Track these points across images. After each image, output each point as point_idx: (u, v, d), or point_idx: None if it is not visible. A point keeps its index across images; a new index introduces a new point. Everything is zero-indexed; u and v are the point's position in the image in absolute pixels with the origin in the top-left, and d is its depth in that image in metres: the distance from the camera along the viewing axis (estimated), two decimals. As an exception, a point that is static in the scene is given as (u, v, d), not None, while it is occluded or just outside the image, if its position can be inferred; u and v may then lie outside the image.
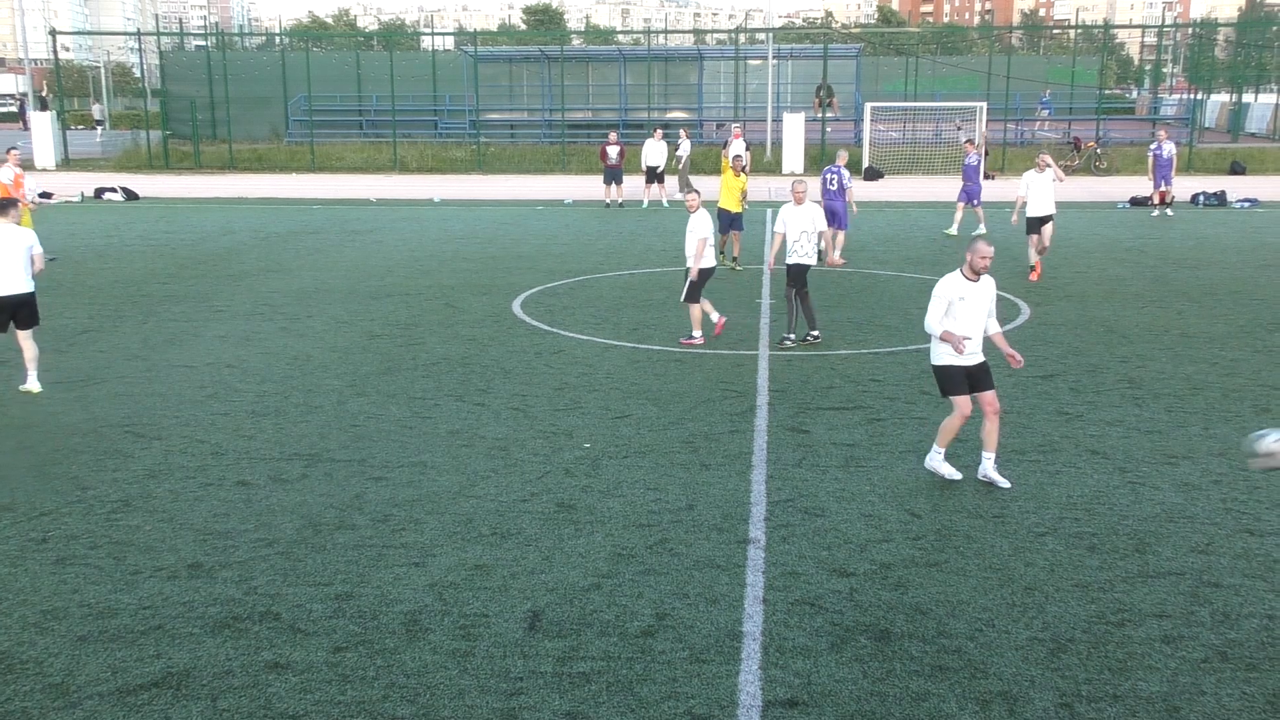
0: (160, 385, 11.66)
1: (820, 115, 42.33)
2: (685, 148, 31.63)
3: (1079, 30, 73.93)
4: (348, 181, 37.67)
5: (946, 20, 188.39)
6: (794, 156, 39.47)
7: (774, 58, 43.53)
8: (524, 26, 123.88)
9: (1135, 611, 6.60)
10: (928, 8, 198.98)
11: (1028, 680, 5.85)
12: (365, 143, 46.36)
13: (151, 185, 35.26)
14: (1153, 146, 27.62)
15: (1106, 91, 55.42)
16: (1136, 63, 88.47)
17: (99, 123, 62.37)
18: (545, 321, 14.74)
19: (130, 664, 6.02)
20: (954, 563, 7.27)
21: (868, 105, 39.39)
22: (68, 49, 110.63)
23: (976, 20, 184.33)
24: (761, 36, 53.24)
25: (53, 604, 6.71)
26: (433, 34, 60.67)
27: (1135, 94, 77.27)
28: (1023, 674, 5.92)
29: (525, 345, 13.43)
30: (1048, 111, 47.22)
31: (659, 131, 30.99)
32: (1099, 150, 39.57)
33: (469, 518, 8.04)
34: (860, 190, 34.40)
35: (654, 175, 30.04)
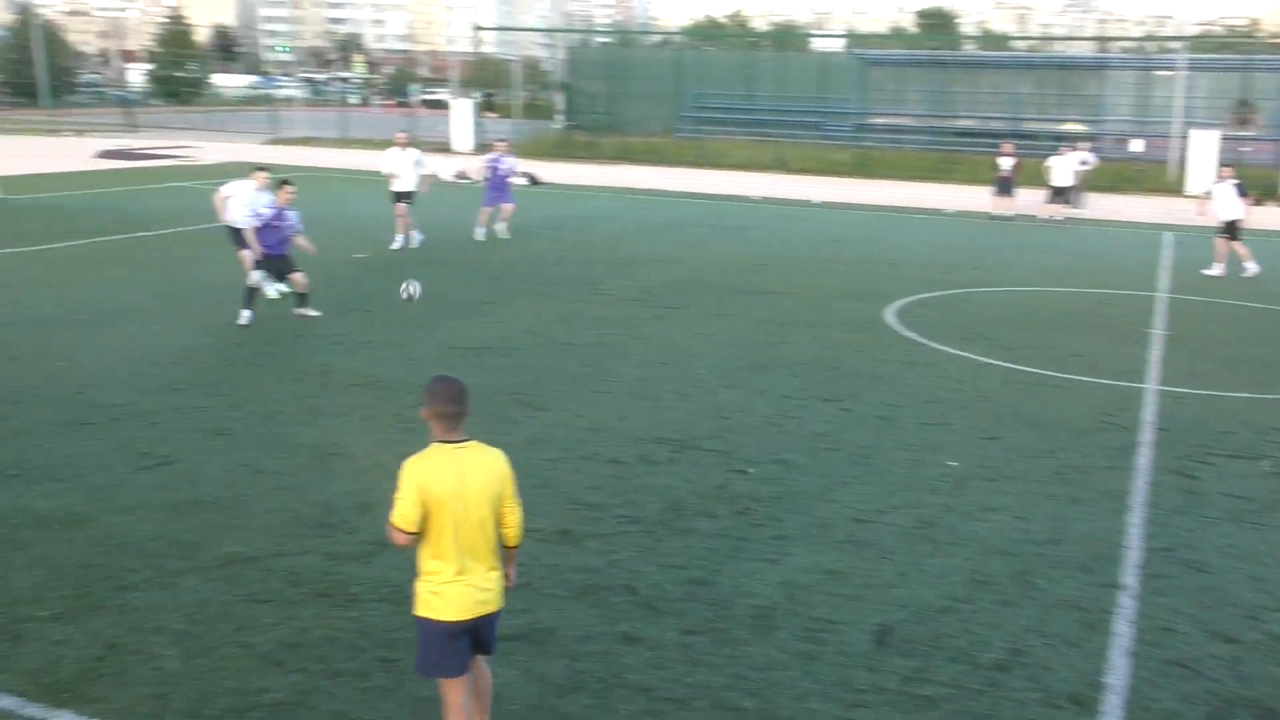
0: (547, 359, 12.47)
1: (1238, 133, 38.80)
2: (1089, 160, 30.19)
3: None
4: (731, 178, 38.55)
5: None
6: (1202, 176, 36.41)
7: (1186, 69, 40.32)
8: (915, 30, 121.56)
9: None
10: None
11: None
12: (750, 141, 47.23)
13: (552, 171, 37.64)
14: None
15: None
16: None
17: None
18: (918, 332, 14.46)
19: (503, 614, 6.48)
20: (1362, 644, 6.50)
21: (1296, 125, 35.71)
22: (486, 43, 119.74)
23: None
24: (1173, 45, 49.45)
25: (440, 550, 7.34)
26: (823, 35, 60.84)
27: None
28: None
29: (896, 354, 13.25)
30: None
31: (1066, 149, 29.59)
32: None
33: (827, 521, 8.06)
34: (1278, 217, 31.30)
35: (1059, 193, 28.69)
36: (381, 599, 6.62)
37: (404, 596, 6.52)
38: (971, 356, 13.24)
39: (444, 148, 43.15)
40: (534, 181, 34.56)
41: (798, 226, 25.65)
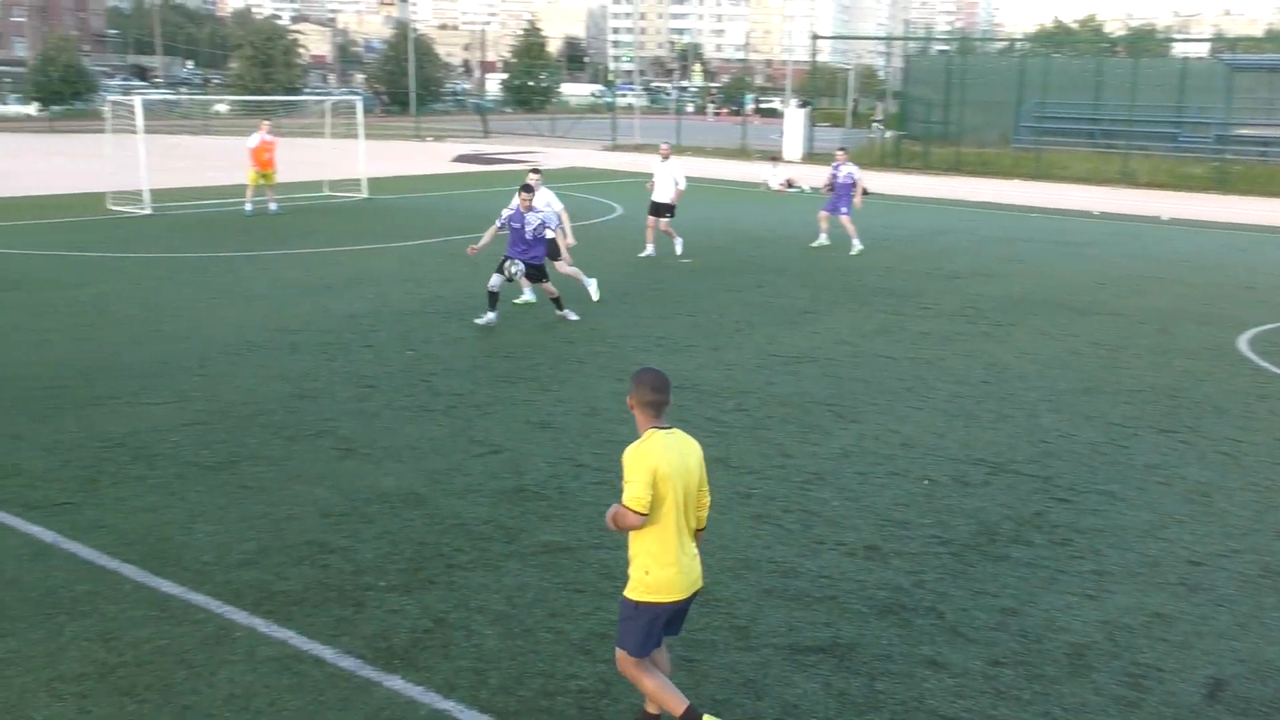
0: (863, 371, 12.33)
1: None
2: None
3: None
4: (1070, 192, 36.67)
5: None
6: None
7: None
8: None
9: None
10: None
11: None
12: (1094, 153, 44.68)
13: (881, 182, 37.13)
14: None
15: None
16: None
17: (879, 122, 65.89)
18: (1276, 363, 13.23)
19: (804, 625, 6.49)
20: None
21: None
22: (821, 51, 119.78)
23: None
24: None
25: (747, 555, 7.43)
26: (1186, 39, 56.70)
27: None
28: None
29: (1247, 386, 12.17)
30: None
31: None
32: None
33: (1156, 561, 7.52)
34: None
35: None
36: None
37: (707, 600, 6.68)
38: None
39: (775, 156, 43.49)
40: (863, 191, 34.20)
41: (1142, 244, 24.06)
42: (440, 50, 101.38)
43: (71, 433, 9.51)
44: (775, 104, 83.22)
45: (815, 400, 11.09)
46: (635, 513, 4.89)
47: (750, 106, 71.41)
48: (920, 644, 6.31)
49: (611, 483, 8.64)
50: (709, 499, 5.26)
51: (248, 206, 24.91)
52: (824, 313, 15.51)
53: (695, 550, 5.14)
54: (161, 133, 44.25)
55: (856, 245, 21.11)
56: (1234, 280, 19.50)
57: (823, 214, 22.15)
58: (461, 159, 44.24)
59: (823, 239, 22.05)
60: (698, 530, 5.25)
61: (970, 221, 27.71)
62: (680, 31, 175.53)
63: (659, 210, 20.09)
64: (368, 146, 31.11)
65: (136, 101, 26.55)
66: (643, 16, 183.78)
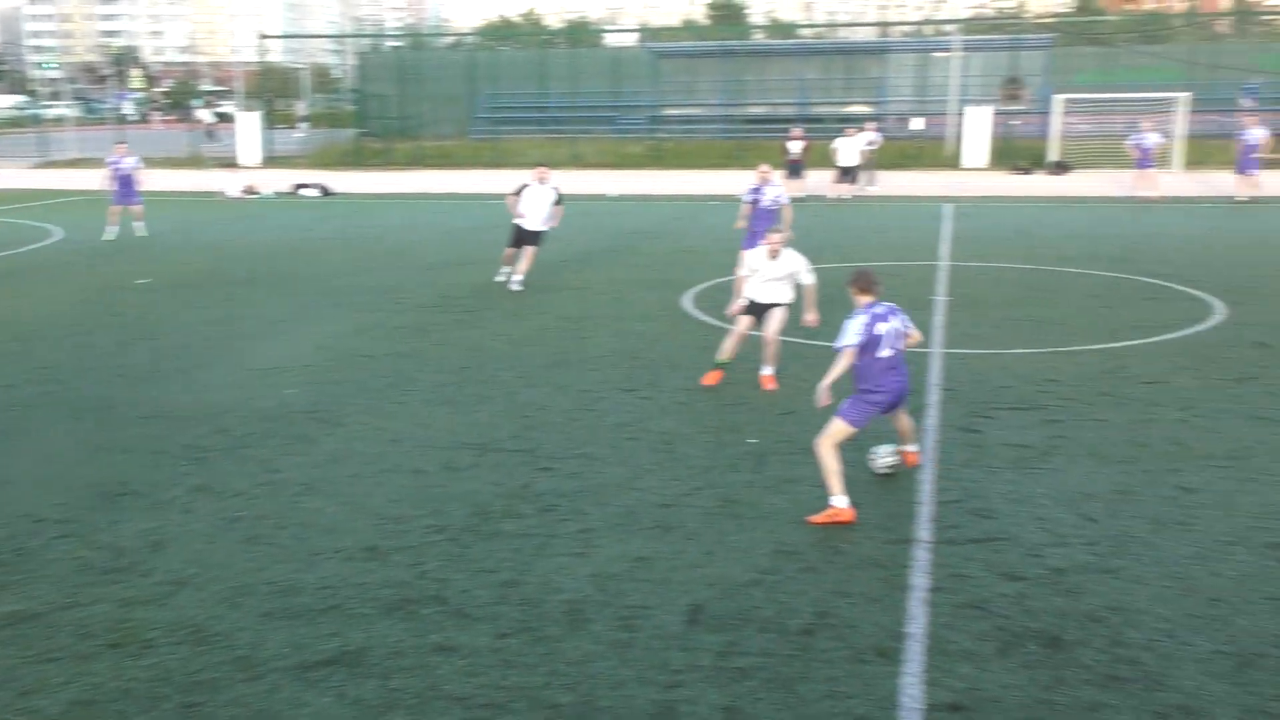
0: (344, 374, 12.18)
1: (1007, 108, 41.00)
2: (872, 139, 31.52)
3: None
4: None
5: (1149, 8, 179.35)
6: (976, 150, 38.40)
7: (961, 50, 42.36)
8: (706, 21, 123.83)
9: (1331, 631, 6.19)
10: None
11: (1210, 695, 5.56)
12: (546, 139, 47.25)
13: (345, 182, 36.81)
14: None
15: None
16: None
17: (303, 119, 65.29)
18: (716, 317, 14.75)
19: (310, 640, 6.31)
20: (1132, 570, 6.97)
21: (1058, 97, 37.95)
22: (272, 51, 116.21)
23: (1180, 7, 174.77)
24: (948, 28, 51.87)
25: (242, 580, 7.09)
26: (616, 30, 61.42)
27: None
28: (1205, 688, 5.63)
29: (694, 340, 13.48)
30: (1252, 100, 44.34)
31: (852, 130, 30.67)
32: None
33: (632, 510, 8.14)
34: (1045, 185, 33.27)
35: (846, 173, 29.70)
36: (179, 641, 6.33)
37: (204, 636, 6.30)
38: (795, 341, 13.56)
39: (230, 162, 41.70)
40: (325, 192, 33.75)
41: (595, 220, 25.81)
42: None
43: None
44: (225, 108, 79.77)
45: (298, 410, 10.80)
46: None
47: (200, 111, 67.54)
48: (429, 633, 6.37)
49: (79, 534, 7.86)
50: None
51: None
52: (298, 319, 15.13)
53: None
54: None
55: (111, 233, 22.68)
56: (679, 246, 21.50)
57: (113, 209, 23.24)
58: None
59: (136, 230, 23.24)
60: None
61: (438, 214, 28.27)
62: (113, 34, 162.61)
63: (525, 239, 17.16)
64: None
65: None
66: (67, 19, 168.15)
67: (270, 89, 64.20)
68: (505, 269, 17.22)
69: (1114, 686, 5.67)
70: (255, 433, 10.12)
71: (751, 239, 15.54)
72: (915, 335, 8.48)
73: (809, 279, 11.09)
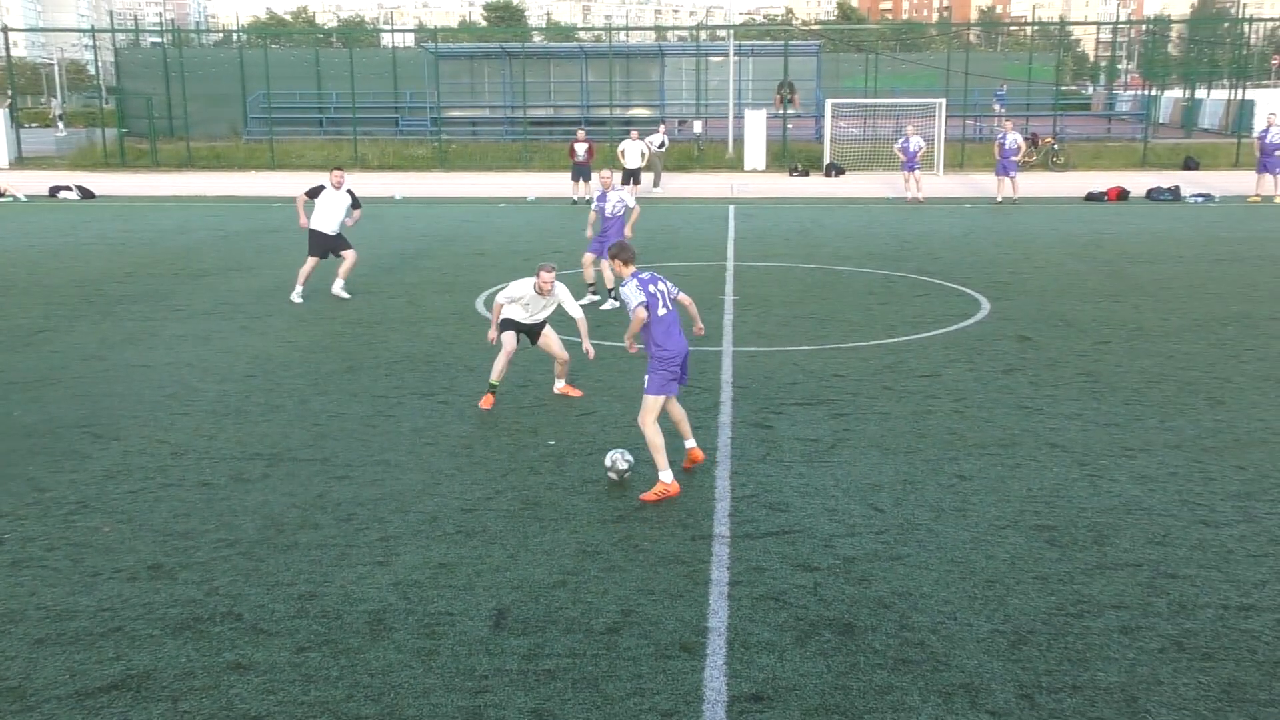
0: (118, 385, 11.53)
1: (782, 112, 42.49)
2: (662, 140, 32.12)
3: (1035, 27, 74.67)
4: (308, 179, 37.26)
5: (905, 17, 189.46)
6: (755, 153, 39.62)
7: (735, 55, 43.62)
8: (484, 23, 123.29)
9: (1094, 603, 6.68)
10: (886, 4, 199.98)
11: (989, 672, 5.90)
12: (326, 140, 46.04)
13: (108, 184, 34.83)
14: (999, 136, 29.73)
15: (1063, 88, 55.91)
16: (1092, 59, 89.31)
17: (59, 116, 61.50)
18: (508, 319, 14.70)
19: (89, 666, 5.95)
20: (916, 556, 7.33)
21: (829, 101, 39.59)
22: (18, 45, 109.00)
23: (935, 17, 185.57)
24: (722, 33, 53.28)
25: (9, 607, 6.62)
26: (393, 30, 60.42)
27: (1091, 90, 78.04)
28: (984, 666, 5.97)
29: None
30: (1000, 106, 47.53)
31: (635, 132, 31.05)
32: (1056, 146, 39.98)
33: (433, 516, 8.01)
34: (821, 186, 34.65)
35: (630, 175, 30.02)
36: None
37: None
38: (561, 336, 13.60)
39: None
40: (86, 194, 31.86)
41: (382, 225, 25.30)
42: None
43: None
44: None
45: (66, 424, 10.15)
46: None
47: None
48: (222, 651, 6.10)
49: None
50: None
51: None
52: (63, 329, 14.22)
53: None
54: None
55: None
56: (469, 248, 21.31)
57: None
58: None
59: None
60: None
61: (213, 217, 27.09)
62: None
63: (330, 245, 16.16)
64: None
65: None
66: None
67: (17, 85, 60.10)
68: (301, 288, 16.06)
69: (903, 669, 5.95)
70: (18, 450, 9.46)
71: (598, 243, 15.49)
72: (684, 297, 9.06)
73: (578, 311, 10.57)
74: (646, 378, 8.57)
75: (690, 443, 8.97)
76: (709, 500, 8.30)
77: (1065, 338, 13.62)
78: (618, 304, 14.91)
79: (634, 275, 8.75)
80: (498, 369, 10.72)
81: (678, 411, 8.90)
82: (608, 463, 8.68)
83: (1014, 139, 29.57)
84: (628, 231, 15.50)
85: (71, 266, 19.26)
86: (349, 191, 16.27)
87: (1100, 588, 6.88)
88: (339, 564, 7.21)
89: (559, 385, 11.21)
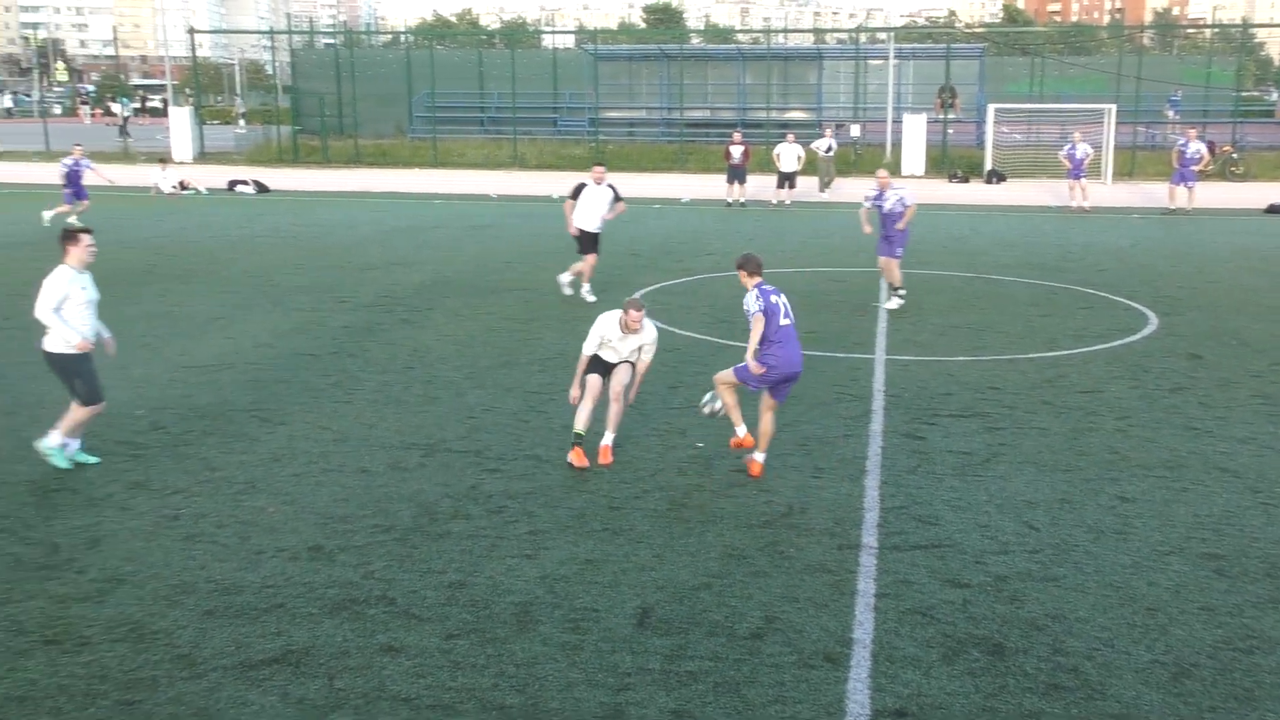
0: (285, 372, 12.02)
1: (942, 116, 41.62)
2: (830, 144, 32.02)
3: (1215, 29, 71.33)
4: (468, 177, 38.26)
5: (1075, 19, 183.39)
6: (914, 158, 38.91)
7: (895, 58, 42.90)
8: (643, 25, 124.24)
9: (1265, 639, 6.35)
10: (1055, 6, 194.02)
11: (1147, 704, 5.67)
12: (486, 139, 46.99)
13: (281, 179, 36.34)
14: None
15: (1244, 93, 53.22)
16: (1277, 63, 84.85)
17: (242, 114, 64.33)
18: (661, 319, 14.74)
19: (253, 640, 6.22)
20: (1072, 578, 7.09)
21: (991, 106, 38.58)
22: (202, 46, 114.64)
23: (1106, 19, 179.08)
24: (883, 36, 52.50)
25: (182, 579, 6.97)
26: (554, 32, 61.32)
27: (1275, 96, 74.16)
28: (1142, 698, 5.73)
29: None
30: (1174, 112, 45.47)
31: (791, 135, 30.88)
32: (1234, 155, 38.10)
33: (581, 512, 8.12)
34: (981, 193, 33.81)
35: (786, 179, 29.88)
36: (117, 639, 6.21)
37: (143, 634, 6.18)
38: (714, 339, 13.64)
39: (164, 158, 40.94)
40: (261, 189, 33.30)
41: (540, 222, 25.73)
42: None
43: None
44: (156, 102, 78.35)
45: (238, 408, 10.63)
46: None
47: (125, 107, 65.63)
48: (375, 633, 6.31)
49: (12, 530, 7.68)
50: None
51: None
52: (237, 317, 14.90)
53: None
54: None
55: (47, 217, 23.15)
56: (623, 248, 21.47)
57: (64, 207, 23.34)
58: None
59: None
60: None
61: (377, 212, 28.00)
62: (34, 26, 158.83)
63: (590, 244, 16.31)
64: None
65: None
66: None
67: (201, 84, 63.15)
68: (569, 278, 16.30)
69: (1054, 695, 5.76)
70: (194, 430, 9.95)
71: (885, 243, 15.65)
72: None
73: (649, 355, 9.52)
74: (745, 363, 8.75)
75: (759, 456, 8.95)
76: (857, 510, 8.19)
77: (1239, 357, 12.98)
78: (903, 300, 15.71)
79: (757, 286, 8.81)
80: (582, 418, 9.18)
81: (767, 426, 8.96)
82: (706, 397, 9.25)
83: (1197, 147, 28.16)
84: (900, 225, 15.62)
85: (246, 258, 20.16)
86: (610, 186, 16.42)
87: (1273, 623, 6.53)
88: (489, 555, 7.37)
89: (607, 438, 9.39)
